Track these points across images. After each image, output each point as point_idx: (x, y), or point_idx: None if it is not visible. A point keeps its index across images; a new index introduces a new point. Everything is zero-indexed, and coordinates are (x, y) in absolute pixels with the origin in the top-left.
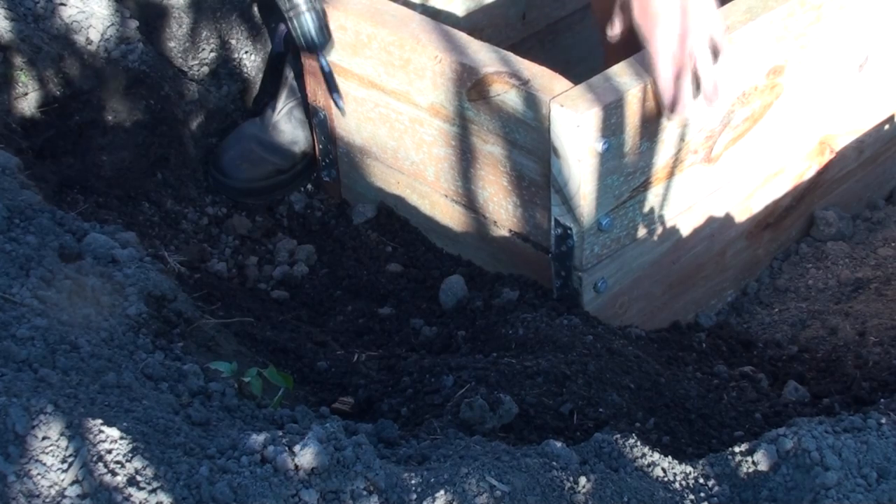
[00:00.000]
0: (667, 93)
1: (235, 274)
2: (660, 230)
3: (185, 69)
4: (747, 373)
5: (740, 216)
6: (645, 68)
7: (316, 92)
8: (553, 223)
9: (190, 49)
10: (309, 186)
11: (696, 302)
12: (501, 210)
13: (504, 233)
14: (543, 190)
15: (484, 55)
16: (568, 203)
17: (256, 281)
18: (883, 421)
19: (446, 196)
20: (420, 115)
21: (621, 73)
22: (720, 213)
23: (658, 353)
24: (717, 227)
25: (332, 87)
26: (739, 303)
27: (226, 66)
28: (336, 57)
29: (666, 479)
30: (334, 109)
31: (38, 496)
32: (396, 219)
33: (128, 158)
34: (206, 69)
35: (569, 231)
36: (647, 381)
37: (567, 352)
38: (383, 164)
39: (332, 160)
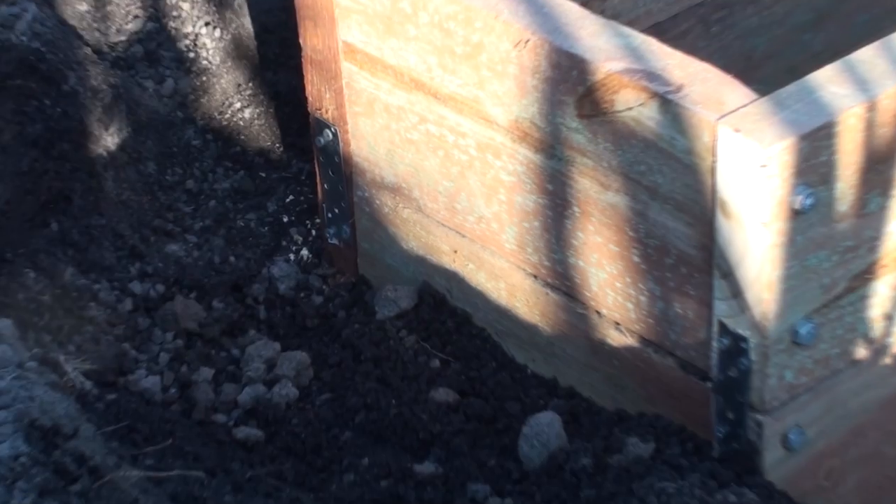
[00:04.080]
0: None
1: (176, 396)
2: None
3: (105, 49)
4: None
5: None
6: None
7: (321, 94)
8: (716, 329)
9: (112, 17)
10: (303, 253)
11: None
12: (628, 304)
13: (631, 341)
14: (700, 272)
15: (606, 41)
16: (742, 296)
17: (211, 409)
18: None
19: (535, 277)
20: (496, 138)
21: (835, 78)
22: None
23: None
24: None
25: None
26: None
27: (172, 47)
28: (358, 35)
29: None
30: (354, 124)
31: None
32: (449, 312)
33: (2, 197)
34: (138, 50)
35: (743, 344)
36: None
37: None
38: (430, 220)
39: (343, 210)
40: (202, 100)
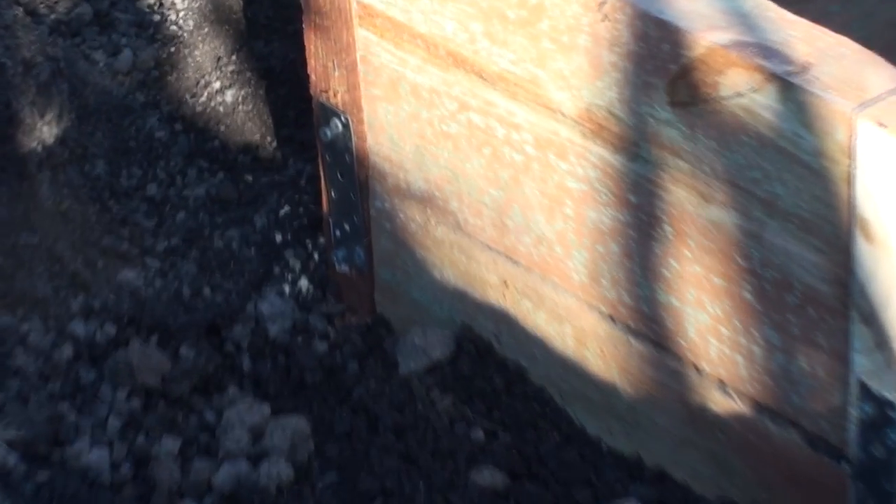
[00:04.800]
0: None
1: (130, 475)
2: None
3: (42, 10)
4: None
5: None
6: None
7: (328, 71)
8: (855, 392)
9: None
10: (301, 283)
11: None
12: (737, 357)
13: (741, 407)
14: (833, 315)
15: (708, 5)
16: (890, 347)
17: (176, 493)
18: None
19: (613, 319)
20: (560, 132)
21: None
22: None
23: None
24: None
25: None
26: None
27: (130, 7)
28: None
29: None
30: (371, 111)
31: None
32: (497, 366)
33: None
34: (85, 12)
35: (891, 412)
36: None
37: None
38: (472, 241)
39: (356, 227)
40: (170, 77)
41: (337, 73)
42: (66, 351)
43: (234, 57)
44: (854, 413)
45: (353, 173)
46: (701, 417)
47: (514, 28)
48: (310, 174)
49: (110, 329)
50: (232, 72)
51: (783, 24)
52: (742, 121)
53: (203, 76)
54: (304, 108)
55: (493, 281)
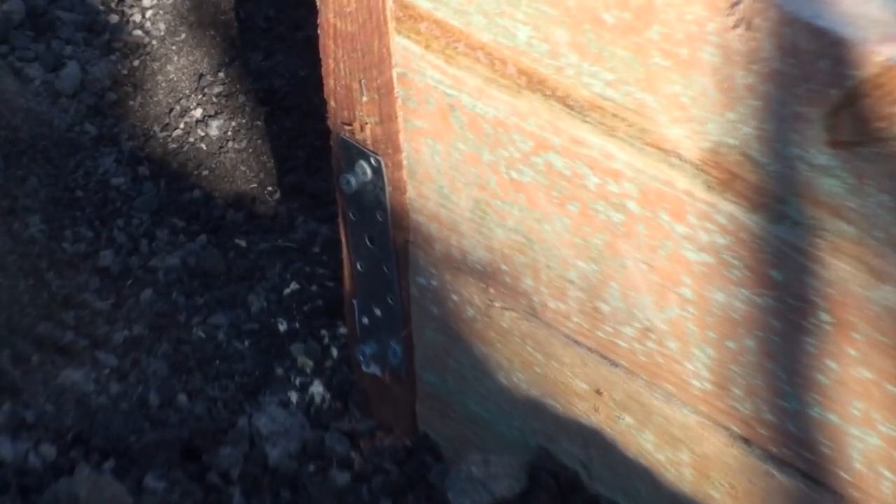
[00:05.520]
0: None
1: None
2: None
3: None
4: None
5: None
6: None
7: (352, 95)
8: None
9: None
10: (313, 389)
11: None
12: None
13: None
14: None
15: (882, 8)
16: None
17: None
18: None
19: (748, 442)
20: (676, 183)
21: None
22: None
23: None
24: None
25: None
26: None
27: (79, 5)
28: None
29: None
30: (413, 151)
31: None
32: None
33: None
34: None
35: None
36: None
37: None
38: (553, 332)
39: (391, 313)
40: (132, 102)
41: (365, 98)
42: None
43: (221, 74)
44: None
45: (388, 237)
46: None
47: (613, 37)
48: (326, 238)
49: (48, 450)
50: (219, 95)
51: None
52: None
53: (179, 100)
54: (318, 147)
55: (581, 389)
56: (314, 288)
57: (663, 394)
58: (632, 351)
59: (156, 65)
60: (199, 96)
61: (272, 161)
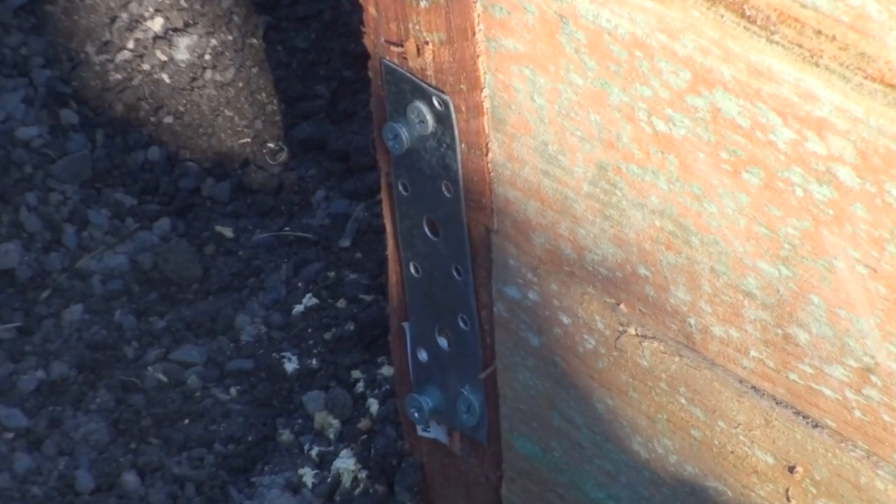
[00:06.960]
0: None
1: None
2: None
3: None
4: None
5: None
6: None
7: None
8: None
9: None
10: (339, 464)
11: None
12: None
13: None
14: None
15: None
16: None
17: None
18: None
19: None
20: None
21: None
22: None
23: None
24: None
25: None
26: None
27: None
28: None
29: None
30: (502, 89)
31: None
32: None
33: None
34: None
35: None
36: None
37: None
38: (717, 374)
39: (463, 343)
40: (52, 7)
41: (425, 3)
42: None
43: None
44: None
45: (459, 224)
46: None
47: None
48: (360, 225)
49: None
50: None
51: None
52: None
53: (126, 3)
54: (347, 80)
55: (763, 463)
56: (341, 304)
57: (893, 471)
58: (843, 404)
59: None
60: (154, 2)
61: (274, 102)
